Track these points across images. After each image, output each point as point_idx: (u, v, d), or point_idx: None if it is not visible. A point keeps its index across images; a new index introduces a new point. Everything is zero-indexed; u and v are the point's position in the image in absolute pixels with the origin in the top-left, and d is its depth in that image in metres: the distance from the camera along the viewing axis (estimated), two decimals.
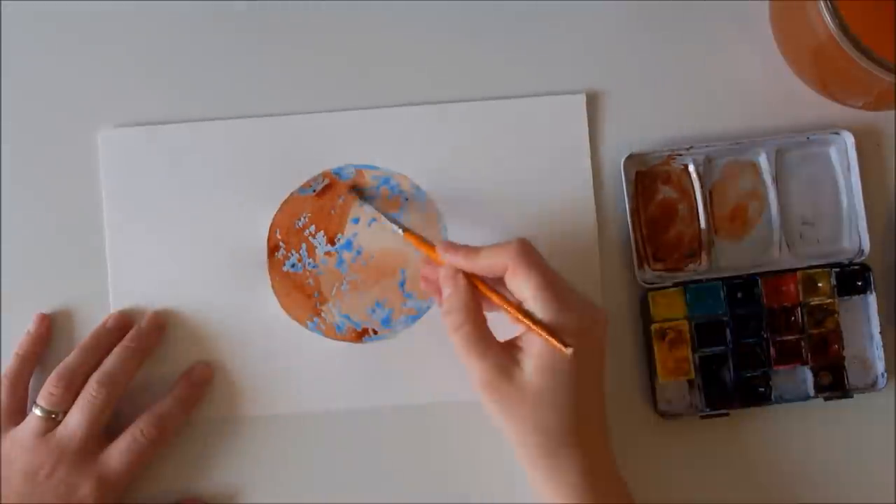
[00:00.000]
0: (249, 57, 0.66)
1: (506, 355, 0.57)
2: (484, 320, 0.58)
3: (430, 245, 0.61)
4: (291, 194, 0.66)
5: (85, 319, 0.65)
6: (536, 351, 0.56)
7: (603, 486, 0.57)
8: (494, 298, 0.58)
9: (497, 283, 0.59)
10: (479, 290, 0.59)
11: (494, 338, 0.58)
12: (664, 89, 0.66)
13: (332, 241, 0.66)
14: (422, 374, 0.65)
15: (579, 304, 0.57)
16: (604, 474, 0.58)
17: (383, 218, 0.64)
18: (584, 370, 0.57)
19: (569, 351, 0.55)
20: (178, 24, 0.67)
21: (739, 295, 0.64)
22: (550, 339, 0.55)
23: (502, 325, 0.58)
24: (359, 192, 0.65)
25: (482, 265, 0.58)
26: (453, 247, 0.59)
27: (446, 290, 0.59)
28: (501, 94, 0.66)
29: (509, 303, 0.57)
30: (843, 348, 0.64)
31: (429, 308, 0.65)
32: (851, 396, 0.64)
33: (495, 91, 0.66)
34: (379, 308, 0.65)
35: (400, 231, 0.63)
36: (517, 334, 0.58)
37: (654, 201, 0.66)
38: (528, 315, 0.56)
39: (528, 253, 0.57)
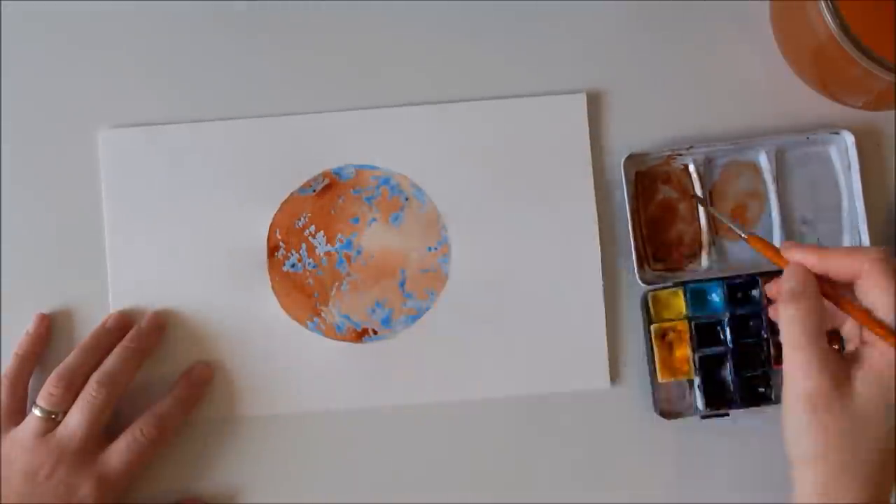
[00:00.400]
0: (249, 57, 0.66)
1: (841, 368, 0.51)
2: (823, 320, 0.52)
3: (774, 248, 0.56)
4: (291, 194, 0.66)
5: (85, 319, 0.65)
6: (872, 364, 0.51)
7: None
8: (846, 305, 0.53)
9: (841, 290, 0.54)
10: (829, 293, 0.54)
11: (832, 350, 0.52)
12: (664, 89, 0.66)
13: (332, 241, 0.66)
14: (422, 374, 0.65)
15: None
16: None
17: (727, 222, 0.62)
18: None
19: None
20: (177, 24, 0.67)
21: (739, 295, 0.64)
22: None
23: None
24: (699, 199, 0.64)
25: (832, 265, 0.53)
26: (800, 245, 0.55)
27: (792, 282, 0.53)
28: (501, 94, 0.66)
29: (867, 312, 0.52)
30: (843, 348, 0.64)
31: (429, 308, 0.65)
32: None
33: (495, 91, 0.66)
34: (379, 308, 0.65)
35: (744, 235, 0.58)
36: (849, 349, 0.54)
37: (654, 201, 0.66)
38: (886, 326, 0.51)
39: (890, 262, 0.52)
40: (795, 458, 0.53)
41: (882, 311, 0.52)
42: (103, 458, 0.60)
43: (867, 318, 0.52)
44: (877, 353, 0.52)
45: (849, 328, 0.56)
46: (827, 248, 0.54)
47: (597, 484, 0.64)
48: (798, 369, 0.52)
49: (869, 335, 0.53)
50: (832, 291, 0.54)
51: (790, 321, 0.52)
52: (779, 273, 0.55)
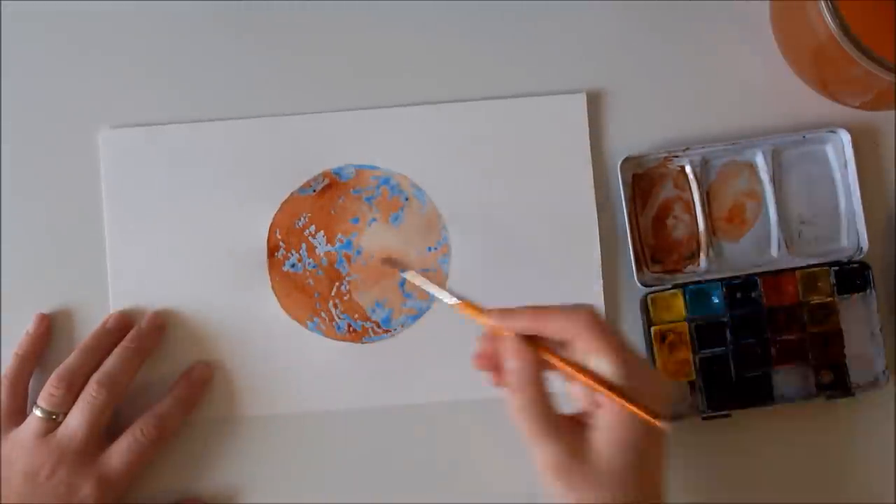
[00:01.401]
0: (249, 57, 0.66)
1: (575, 435, 0.53)
2: (549, 396, 0.53)
3: (484, 315, 0.55)
4: (291, 194, 0.66)
5: (85, 319, 0.65)
6: (606, 425, 0.52)
7: None
8: (569, 368, 0.53)
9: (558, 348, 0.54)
10: (548, 359, 0.54)
11: (561, 416, 0.54)
12: (665, 89, 0.66)
13: (332, 241, 0.66)
14: (422, 374, 0.65)
15: (654, 378, 0.55)
16: None
17: (435, 288, 0.60)
18: (654, 446, 0.53)
19: (664, 425, 0.51)
20: (177, 24, 0.66)
21: (739, 295, 0.64)
22: (640, 412, 0.51)
23: None
24: (394, 263, 0.64)
25: (550, 330, 0.53)
26: (511, 311, 0.54)
27: (510, 364, 0.54)
28: (501, 94, 0.66)
29: (590, 373, 0.53)
30: (843, 347, 0.64)
31: (429, 308, 0.65)
32: (853, 395, 0.64)
33: (495, 91, 0.66)
34: (379, 308, 0.65)
35: (455, 301, 0.57)
36: (581, 409, 0.54)
37: (652, 203, 0.66)
38: (613, 387, 0.52)
39: (602, 321, 0.53)
40: None
41: (605, 373, 0.52)
42: (104, 459, 0.60)
43: (592, 380, 0.52)
44: (608, 413, 0.52)
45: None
46: (539, 311, 0.54)
47: None
48: (535, 446, 0.53)
49: (599, 395, 0.53)
50: (558, 358, 0.54)
51: (518, 410, 0.53)
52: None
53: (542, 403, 0.53)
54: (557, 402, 0.54)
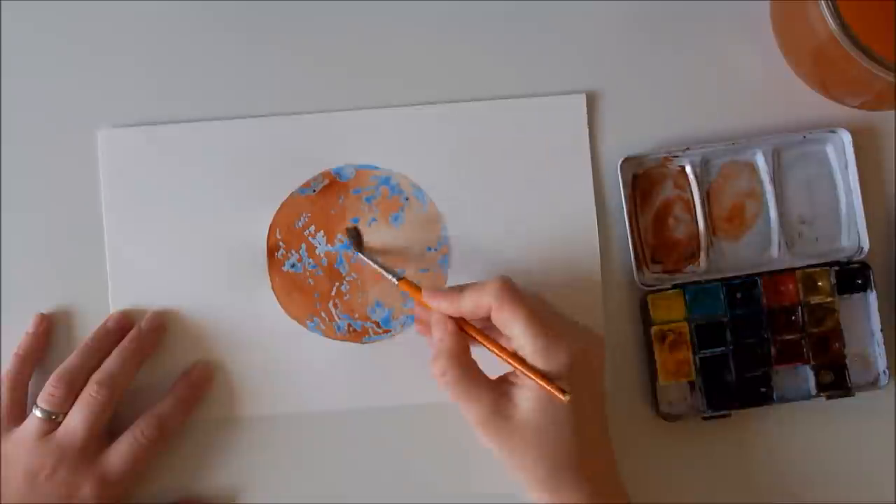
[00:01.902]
0: (249, 57, 0.66)
1: (499, 394, 0.57)
2: (472, 362, 0.58)
3: (420, 294, 0.60)
4: (291, 194, 0.66)
5: (85, 319, 0.65)
6: (531, 384, 0.56)
7: None
8: (486, 343, 0.58)
9: (486, 323, 0.58)
10: (470, 334, 0.58)
11: (486, 377, 0.57)
12: (665, 89, 0.66)
13: (331, 241, 0.66)
14: (422, 374, 0.64)
15: (571, 332, 0.57)
16: (610, 501, 0.57)
17: (378, 266, 0.62)
18: (582, 400, 0.56)
19: (566, 398, 0.54)
20: (177, 24, 0.66)
21: (739, 295, 0.64)
22: (546, 386, 0.55)
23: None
24: (354, 237, 0.65)
25: (466, 308, 0.57)
26: (437, 293, 0.59)
27: (435, 335, 0.58)
28: (501, 94, 0.66)
29: (501, 348, 0.57)
30: (844, 347, 0.64)
31: None
32: (853, 395, 0.64)
33: (495, 91, 0.66)
34: (379, 308, 0.65)
35: (394, 280, 0.61)
36: (511, 370, 0.57)
37: (652, 203, 0.66)
38: (522, 362, 0.56)
39: (511, 290, 0.56)
40: (508, 471, 0.57)
41: (517, 340, 0.56)
42: (104, 459, 0.60)
43: (510, 356, 0.56)
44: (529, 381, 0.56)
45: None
46: (460, 290, 0.58)
47: None
48: (461, 408, 0.57)
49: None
50: (477, 333, 0.58)
51: (439, 376, 0.57)
52: None
53: (463, 368, 0.57)
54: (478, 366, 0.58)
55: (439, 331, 0.58)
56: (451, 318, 0.58)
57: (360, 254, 0.64)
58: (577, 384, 0.56)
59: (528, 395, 0.56)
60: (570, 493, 0.56)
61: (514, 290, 0.57)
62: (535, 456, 0.56)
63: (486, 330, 0.58)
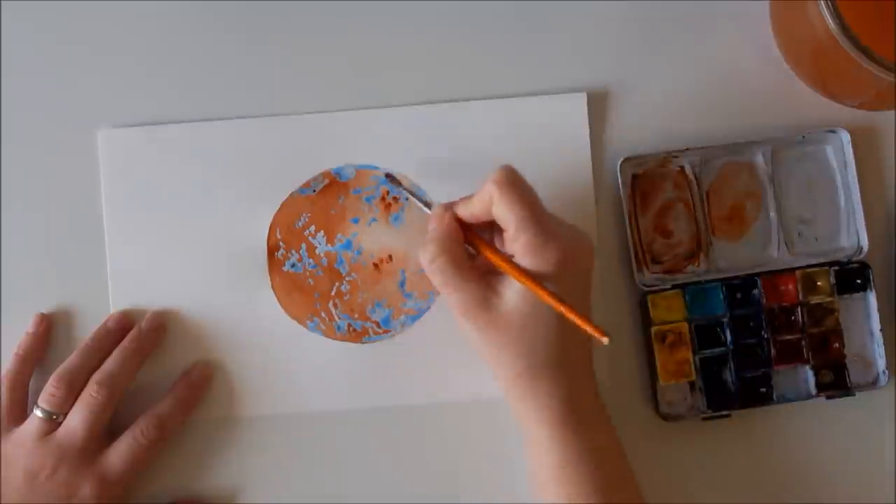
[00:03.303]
0: (249, 57, 0.66)
1: (485, 284, 0.57)
2: (463, 252, 0.58)
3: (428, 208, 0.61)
4: (291, 194, 0.66)
5: (85, 319, 0.65)
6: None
7: (584, 411, 0.58)
8: (482, 247, 0.58)
9: (494, 238, 0.59)
10: (471, 239, 0.59)
11: (475, 268, 0.58)
12: (665, 89, 0.66)
13: (331, 241, 0.66)
14: (422, 374, 0.65)
15: (564, 233, 0.58)
16: (585, 401, 0.58)
17: (414, 199, 0.63)
18: (568, 298, 0.56)
19: (606, 340, 0.55)
20: (177, 24, 0.66)
21: (739, 295, 0.64)
22: (585, 325, 0.55)
23: None
24: (391, 178, 0.65)
25: (475, 207, 0.58)
26: (451, 203, 0.60)
27: (430, 226, 0.59)
28: (501, 94, 0.66)
29: (497, 253, 0.57)
30: (843, 347, 0.64)
31: (429, 308, 0.65)
32: (853, 394, 0.64)
33: (495, 91, 0.66)
34: (379, 308, 0.65)
35: (428, 210, 0.62)
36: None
37: (652, 203, 0.66)
38: (517, 267, 0.56)
39: (512, 181, 0.57)
40: (485, 362, 0.59)
41: (510, 228, 0.56)
42: (104, 459, 0.60)
43: (505, 262, 0.57)
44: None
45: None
46: (469, 196, 0.59)
47: None
48: (446, 297, 0.58)
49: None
50: (477, 239, 0.59)
51: (427, 263, 0.58)
52: None
53: (452, 255, 0.57)
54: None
55: (435, 221, 0.59)
56: (450, 213, 0.59)
57: (400, 188, 0.65)
58: (565, 285, 0.56)
59: (517, 289, 0.56)
60: (544, 384, 0.57)
61: (516, 182, 0.57)
62: (514, 352, 0.57)
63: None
